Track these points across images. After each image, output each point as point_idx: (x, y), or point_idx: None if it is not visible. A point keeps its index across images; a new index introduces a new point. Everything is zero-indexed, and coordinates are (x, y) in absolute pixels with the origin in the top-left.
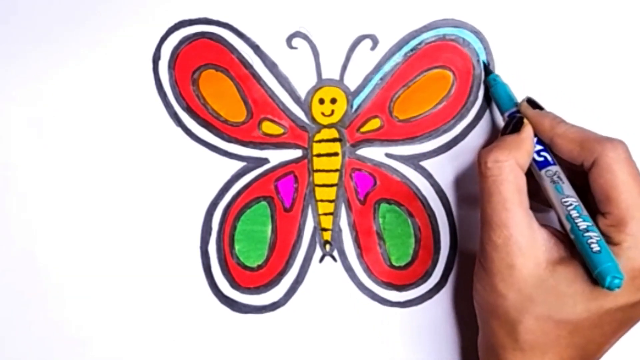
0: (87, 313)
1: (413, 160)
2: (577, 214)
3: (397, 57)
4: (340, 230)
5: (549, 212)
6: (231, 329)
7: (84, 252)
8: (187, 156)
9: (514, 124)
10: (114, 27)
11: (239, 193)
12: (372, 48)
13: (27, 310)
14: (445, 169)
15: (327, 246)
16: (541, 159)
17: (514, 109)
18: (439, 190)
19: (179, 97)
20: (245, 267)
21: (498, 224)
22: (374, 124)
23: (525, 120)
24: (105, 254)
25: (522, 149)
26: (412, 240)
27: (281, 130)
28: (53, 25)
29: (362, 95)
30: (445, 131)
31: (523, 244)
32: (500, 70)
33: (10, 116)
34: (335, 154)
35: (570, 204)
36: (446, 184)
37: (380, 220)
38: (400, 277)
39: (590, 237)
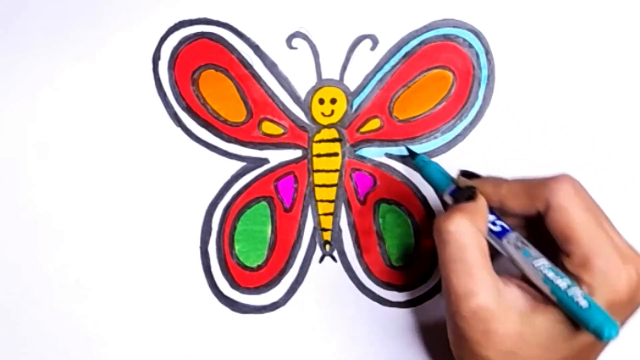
0: (87, 313)
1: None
2: (554, 275)
3: (397, 57)
4: (340, 230)
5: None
6: (231, 329)
7: (83, 252)
8: (187, 156)
9: (468, 195)
10: (114, 27)
11: (238, 193)
12: (372, 48)
13: (26, 310)
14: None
15: (327, 246)
16: (498, 228)
17: (453, 187)
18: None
19: (179, 97)
20: (245, 267)
21: (466, 293)
22: (374, 124)
23: (477, 190)
24: (105, 253)
25: (480, 214)
26: (412, 240)
27: (281, 131)
28: (53, 26)
29: (362, 96)
30: (445, 131)
31: (493, 309)
32: (500, 70)
33: (10, 116)
34: (335, 154)
35: (544, 266)
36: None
37: (380, 220)
38: (400, 277)
39: (576, 295)
